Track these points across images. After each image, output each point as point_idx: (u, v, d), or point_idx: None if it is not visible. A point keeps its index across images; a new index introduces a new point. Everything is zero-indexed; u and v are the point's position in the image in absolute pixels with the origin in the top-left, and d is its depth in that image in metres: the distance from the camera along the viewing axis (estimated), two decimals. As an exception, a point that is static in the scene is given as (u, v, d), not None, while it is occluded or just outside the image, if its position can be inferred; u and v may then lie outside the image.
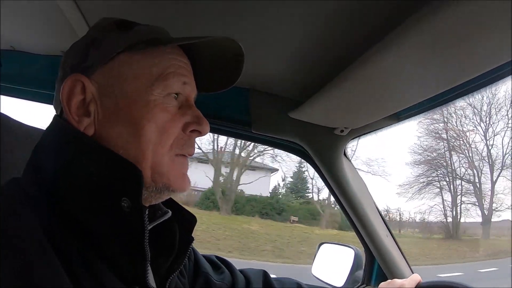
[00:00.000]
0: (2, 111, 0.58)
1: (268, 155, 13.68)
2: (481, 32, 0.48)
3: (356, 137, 0.93)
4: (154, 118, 0.43)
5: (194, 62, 0.51)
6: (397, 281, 0.76)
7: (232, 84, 0.54)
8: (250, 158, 13.53)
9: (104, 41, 0.45)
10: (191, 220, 0.53)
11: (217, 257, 0.73)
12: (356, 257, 1.06)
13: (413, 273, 1.02)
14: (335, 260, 1.10)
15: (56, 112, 0.48)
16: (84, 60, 0.45)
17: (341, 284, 1.07)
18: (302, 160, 0.98)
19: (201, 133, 0.48)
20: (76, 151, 0.42)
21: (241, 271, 0.74)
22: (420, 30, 0.49)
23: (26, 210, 0.37)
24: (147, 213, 0.41)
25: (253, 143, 11.62)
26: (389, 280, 0.79)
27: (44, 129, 0.62)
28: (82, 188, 0.40)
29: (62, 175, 0.41)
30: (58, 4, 0.70)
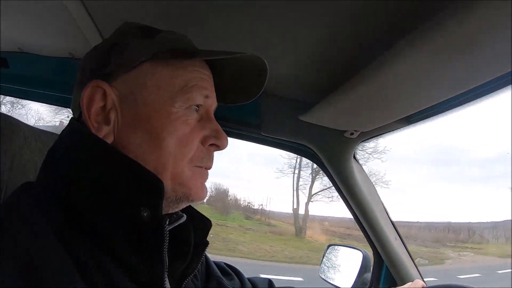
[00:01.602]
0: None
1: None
2: (493, 37, 0.47)
3: (366, 139, 0.92)
4: (175, 131, 0.43)
5: (215, 72, 0.50)
6: None
7: (252, 98, 0.54)
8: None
9: (127, 48, 0.44)
10: (206, 224, 0.53)
11: (227, 264, 0.73)
12: (364, 260, 1.05)
13: (421, 276, 1.02)
14: (342, 262, 1.10)
15: (74, 115, 0.47)
16: (105, 66, 0.44)
17: (349, 286, 1.06)
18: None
19: (219, 148, 0.48)
20: (95, 157, 0.41)
21: (249, 279, 0.74)
22: (432, 36, 0.49)
23: (38, 216, 0.37)
24: (167, 223, 0.40)
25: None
26: None
27: (51, 131, 0.63)
28: (100, 195, 0.39)
29: (79, 180, 0.40)
30: (65, 5, 0.69)
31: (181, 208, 0.47)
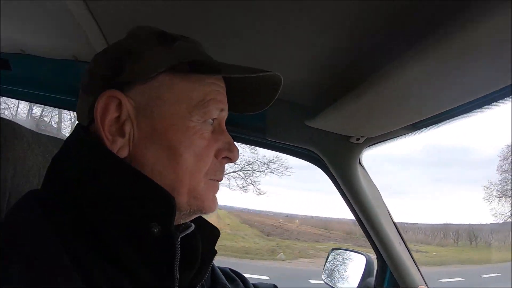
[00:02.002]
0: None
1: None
2: (500, 47, 0.47)
3: (371, 145, 0.92)
4: (192, 145, 0.43)
5: (226, 81, 0.50)
6: None
7: (262, 109, 0.54)
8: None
9: (143, 56, 0.43)
10: (214, 233, 0.52)
11: (231, 270, 0.73)
12: (368, 264, 1.06)
13: (425, 281, 1.02)
14: (346, 266, 1.10)
15: (81, 122, 0.46)
16: (118, 73, 0.42)
17: (352, 291, 1.07)
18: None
19: (231, 160, 0.48)
20: (106, 172, 0.40)
21: (254, 284, 0.74)
22: (440, 46, 0.49)
23: (46, 225, 0.36)
24: (179, 240, 0.40)
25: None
26: None
27: (53, 136, 0.62)
28: (110, 209, 0.39)
29: (89, 193, 0.39)
30: (68, 7, 0.68)
31: (191, 219, 0.47)
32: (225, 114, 0.48)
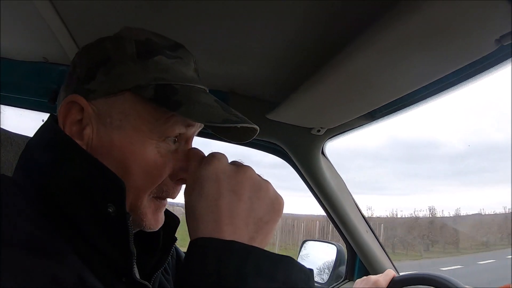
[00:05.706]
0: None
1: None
2: (450, 31, 0.49)
3: (332, 136, 0.95)
4: (146, 165, 0.43)
5: None
6: (372, 277, 0.79)
7: (238, 142, 0.54)
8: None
9: (116, 67, 0.43)
10: (175, 221, 0.54)
11: None
12: (339, 253, 1.09)
13: (394, 266, 1.05)
14: (318, 257, 1.13)
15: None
16: (89, 80, 0.43)
17: (325, 280, 1.09)
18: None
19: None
20: (67, 156, 0.42)
21: None
22: (391, 31, 0.51)
23: (23, 203, 0.39)
24: (131, 219, 0.42)
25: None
26: (364, 277, 0.82)
27: (25, 135, 0.64)
28: (74, 191, 0.41)
29: (54, 176, 0.41)
30: (37, 10, 0.69)
31: (138, 229, 0.47)
32: (194, 130, 0.47)
